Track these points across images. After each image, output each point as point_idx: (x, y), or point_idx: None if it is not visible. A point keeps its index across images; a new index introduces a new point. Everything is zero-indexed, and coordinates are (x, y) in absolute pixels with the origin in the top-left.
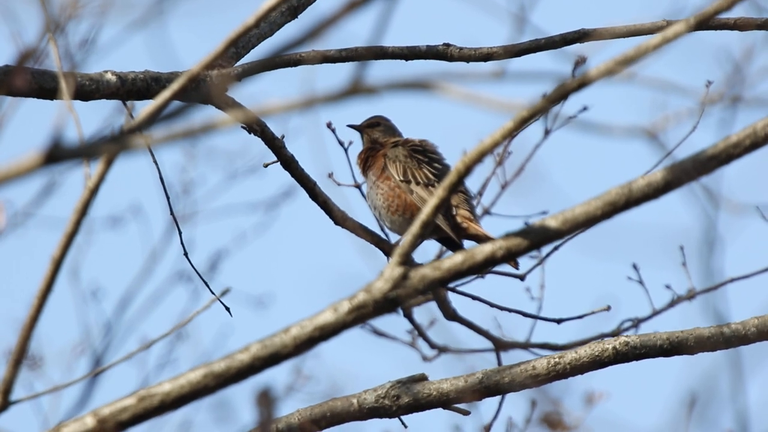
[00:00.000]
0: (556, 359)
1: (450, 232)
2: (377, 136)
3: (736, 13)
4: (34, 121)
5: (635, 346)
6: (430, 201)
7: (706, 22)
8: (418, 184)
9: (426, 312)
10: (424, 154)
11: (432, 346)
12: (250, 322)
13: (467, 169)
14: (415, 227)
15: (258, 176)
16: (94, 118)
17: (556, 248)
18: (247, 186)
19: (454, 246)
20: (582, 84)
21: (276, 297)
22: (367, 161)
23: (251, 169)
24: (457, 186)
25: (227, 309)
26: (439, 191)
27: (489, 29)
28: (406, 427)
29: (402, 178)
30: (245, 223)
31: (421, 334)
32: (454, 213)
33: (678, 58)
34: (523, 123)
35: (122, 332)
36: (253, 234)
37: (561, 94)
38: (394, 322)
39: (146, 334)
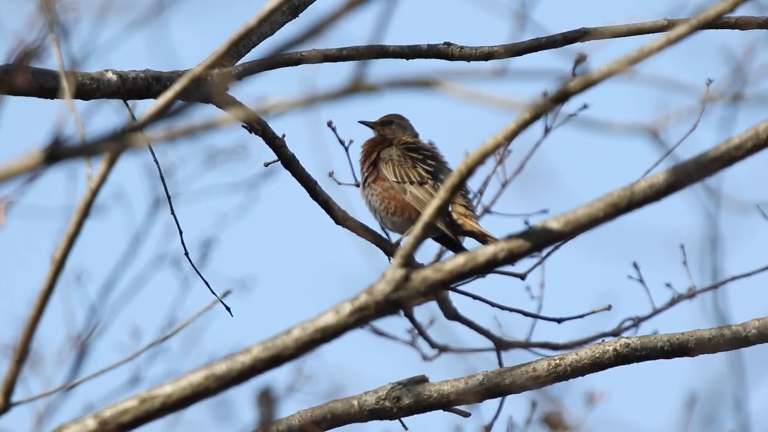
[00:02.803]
0: (557, 361)
1: (447, 230)
2: (387, 133)
3: (738, 12)
4: (35, 120)
5: (636, 348)
6: (432, 202)
7: (709, 24)
8: (411, 183)
9: (426, 311)
10: (417, 152)
11: (432, 345)
12: (247, 316)
13: (469, 171)
14: (417, 229)
15: (240, 159)
16: (94, 116)
17: (556, 248)
18: (230, 168)
19: (452, 244)
20: (585, 85)
21: (270, 291)
22: (368, 154)
23: (234, 152)
24: (460, 187)
25: (228, 310)
26: (441, 192)
27: (490, 28)
28: (406, 429)
29: (395, 179)
30: (228, 205)
31: (422, 334)
32: (450, 209)
33: (680, 56)
34: (525, 124)
35: (108, 316)
36: (235, 215)
37: (563, 95)
38: (394, 322)
39: (134, 319)
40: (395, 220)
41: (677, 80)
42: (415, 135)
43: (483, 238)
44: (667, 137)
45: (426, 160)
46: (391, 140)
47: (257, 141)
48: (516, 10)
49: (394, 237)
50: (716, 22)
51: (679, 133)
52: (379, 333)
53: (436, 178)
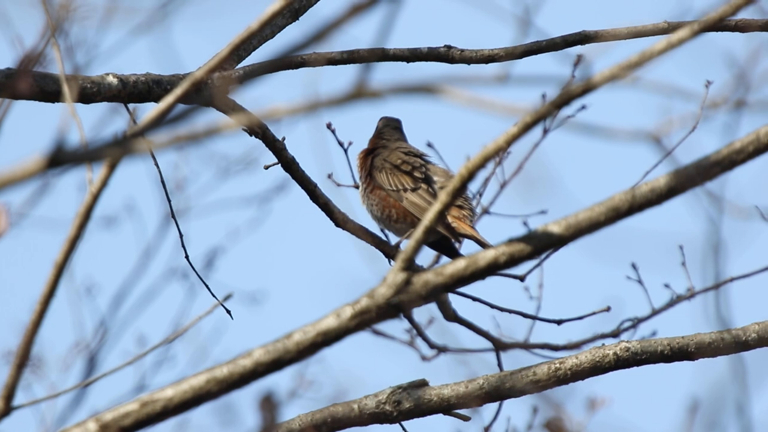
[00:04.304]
0: (557, 365)
1: (447, 233)
2: (380, 144)
3: (739, 15)
4: (34, 123)
5: (636, 352)
6: (433, 206)
7: (709, 27)
8: (406, 191)
9: (425, 312)
10: (407, 164)
11: (431, 345)
12: (248, 320)
13: (471, 175)
14: (418, 232)
15: (251, 172)
16: (95, 120)
17: (555, 250)
18: (241, 181)
19: (447, 249)
20: (586, 89)
21: (271, 295)
22: (363, 163)
23: (245, 164)
24: (461, 191)
25: (229, 313)
26: (443, 196)
27: (493, 32)
28: None
29: (391, 188)
30: (240, 218)
31: (420, 334)
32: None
33: (684, 61)
34: (527, 128)
35: (117, 329)
36: (247, 229)
37: (565, 99)
38: (393, 322)
39: (142, 330)
40: (398, 227)
41: (681, 86)
42: (403, 137)
43: (477, 242)
44: (670, 144)
45: (417, 168)
46: (383, 146)
47: (266, 152)
48: (519, 15)
49: (393, 239)
50: (717, 25)
51: (682, 140)
52: (378, 333)
53: (429, 182)
